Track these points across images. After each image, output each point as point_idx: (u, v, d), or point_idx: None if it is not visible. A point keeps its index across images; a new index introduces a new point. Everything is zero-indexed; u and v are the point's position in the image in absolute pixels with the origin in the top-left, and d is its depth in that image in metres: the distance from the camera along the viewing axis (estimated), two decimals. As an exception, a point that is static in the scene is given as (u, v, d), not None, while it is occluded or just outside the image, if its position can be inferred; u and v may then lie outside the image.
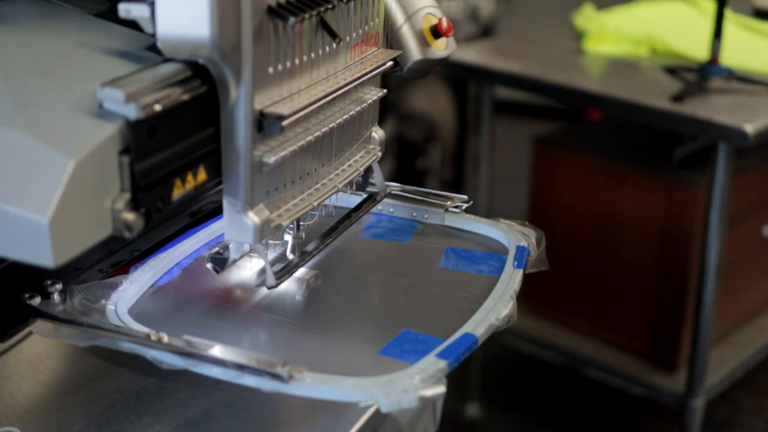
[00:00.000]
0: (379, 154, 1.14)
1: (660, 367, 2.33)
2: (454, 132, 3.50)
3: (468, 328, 0.95)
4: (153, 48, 0.89)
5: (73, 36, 0.93)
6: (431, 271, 1.11)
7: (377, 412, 1.16)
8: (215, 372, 0.89)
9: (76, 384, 1.11)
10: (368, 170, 1.15)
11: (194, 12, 0.80)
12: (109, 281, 1.03)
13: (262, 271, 1.04)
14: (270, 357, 0.88)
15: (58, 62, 0.87)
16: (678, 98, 1.99)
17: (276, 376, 0.86)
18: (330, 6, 0.95)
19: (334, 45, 0.99)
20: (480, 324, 0.96)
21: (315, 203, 1.01)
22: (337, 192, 1.05)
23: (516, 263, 1.09)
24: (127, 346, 0.93)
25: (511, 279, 1.06)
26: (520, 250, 1.12)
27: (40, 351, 1.19)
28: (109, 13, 0.99)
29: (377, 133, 1.15)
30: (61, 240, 0.75)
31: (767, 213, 2.48)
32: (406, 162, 3.30)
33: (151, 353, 0.92)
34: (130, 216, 0.81)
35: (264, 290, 1.05)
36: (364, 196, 1.19)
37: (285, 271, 1.03)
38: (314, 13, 0.92)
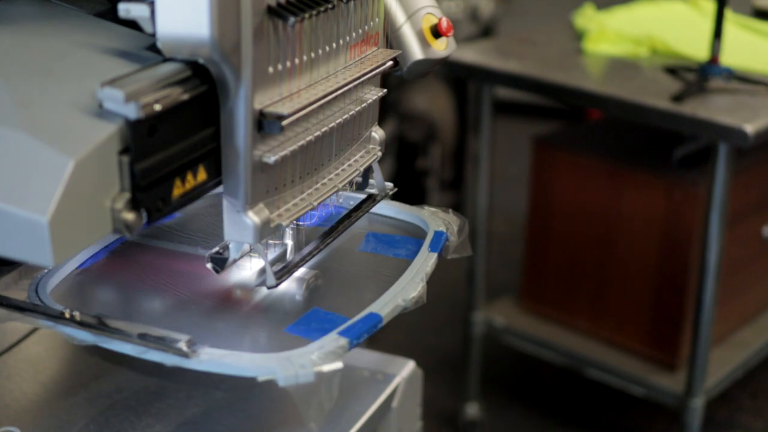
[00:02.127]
0: (379, 154, 1.14)
1: (660, 367, 2.33)
2: (454, 132, 3.50)
3: (374, 308, 0.97)
4: (153, 48, 0.89)
5: (73, 36, 0.93)
6: (351, 253, 1.13)
7: (376, 413, 1.17)
8: (126, 348, 0.92)
9: (76, 384, 1.11)
10: (368, 170, 1.15)
11: (194, 12, 0.80)
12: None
13: (262, 271, 1.05)
14: (176, 334, 0.90)
15: (58, 62, 0.87)
16: (678, 98, 1.99)
17: (178, 351, 0.89)
18: (330, 6, 0.95)
19: (334, 45, 0.99)
20: (387, 304, 0.98)
21: (315, 203, 1.01)
22: (337, 192, 1.05)
23: (431, 247, 1.10)
24: (43, 323, 0.96)
25: (424, 262, 1.07)
26: (437, 234, 1.12)
27: (40, 351, 1.19)
28: (109, 13, 0.99)
29: (377, 133, 1.15)
30: (61, 240, 0.76)
31: (767, 213, 2.48)
32: (406, 162, 3.30)
33: (66, 330, 0.95)
34: (130, 216, 0.81)
35: (264, 290, 1.05)
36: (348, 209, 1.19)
37: (285, 271, 1.03)
38: (314, 13, 0.92)
